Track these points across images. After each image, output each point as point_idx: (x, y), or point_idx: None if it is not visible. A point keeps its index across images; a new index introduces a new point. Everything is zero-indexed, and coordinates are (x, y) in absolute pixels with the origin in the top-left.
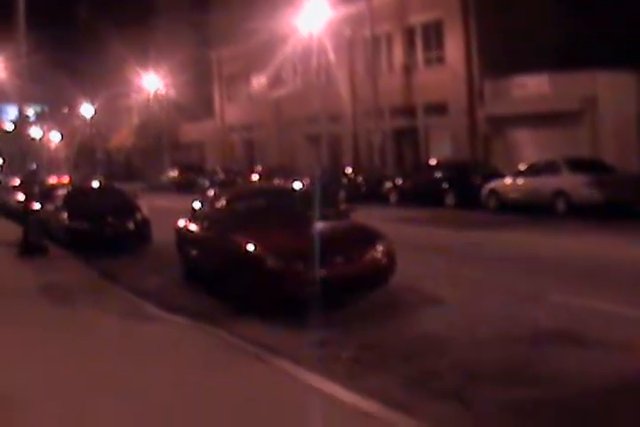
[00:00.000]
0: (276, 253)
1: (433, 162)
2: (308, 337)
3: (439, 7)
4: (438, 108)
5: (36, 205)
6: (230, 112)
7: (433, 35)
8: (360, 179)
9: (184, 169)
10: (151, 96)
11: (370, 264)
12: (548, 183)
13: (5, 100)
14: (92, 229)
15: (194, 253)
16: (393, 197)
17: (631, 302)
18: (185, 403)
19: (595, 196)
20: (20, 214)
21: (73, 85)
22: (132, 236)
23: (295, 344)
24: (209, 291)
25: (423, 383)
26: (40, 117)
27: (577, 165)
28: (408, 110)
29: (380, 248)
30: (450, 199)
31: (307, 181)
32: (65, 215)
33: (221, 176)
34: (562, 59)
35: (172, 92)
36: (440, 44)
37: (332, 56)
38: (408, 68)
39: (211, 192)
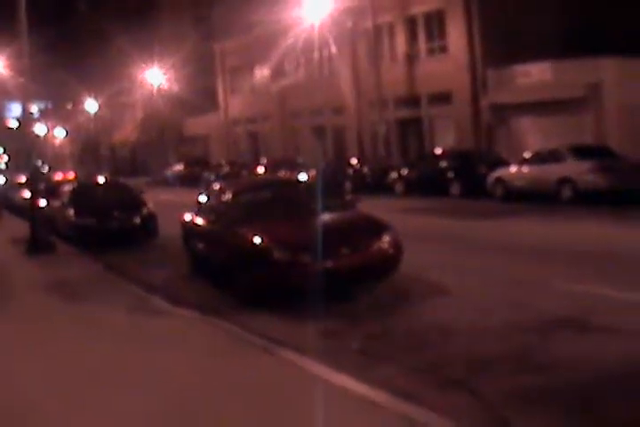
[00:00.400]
0: (283, 244)
1: (438, 151)
2: (315, 328)
3: None
4: (442, 98)
5: (43, 202)
6: (234, 105)
7: (435, 24)
8: (365, 169)
9: (189, 163)
10: (155, 90)
11: (376, 255)
12: (553, 171)
13: (8, 97)
14: (99, 224)
15: (200, 246)
16: (398, 188)
17: (638, 289)
18: (193, 395)
19: (600, 182)
20: (27, 211)
21: (76, 81)
22: (139, 230)
23: (302, 336)
24: (216, 284)
25: (431, 373)
26: (44, 114)
27: (582, 151)
28: (412, 100)
29: (386, 239)
30: (455, 189)
31: (312, 172)
32: (71, 211)
33: (226, 169)
34: (565, 46)
35: (176, 86)
36: (442, 33)
37: (334, 47)
38: (411, 58)
39: (216, 185)
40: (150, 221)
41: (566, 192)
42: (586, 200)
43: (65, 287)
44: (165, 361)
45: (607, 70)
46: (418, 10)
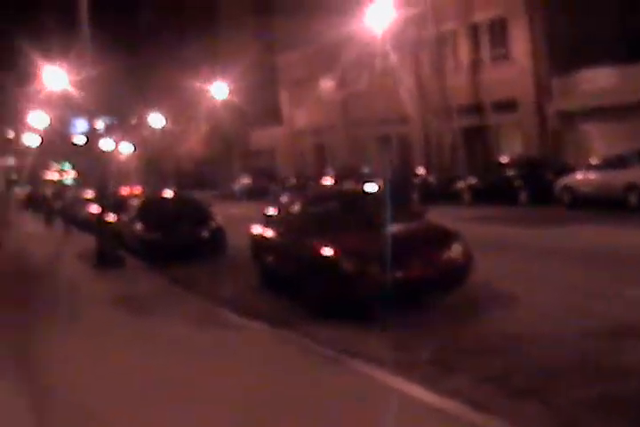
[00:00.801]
0: (352, 255)
1: (504, 160)
2: (385, 339)
3: (504, 3)
4: (507, 106)
5: (110, 217)
6: (299, 117)
7: (498, 31)
8: (432, 179)
9: (256, 176)
10: (218, 103)
11: (446, 265)
12: (619, 177)
13: (73, 113)
14: (167, 238)
15: (269, 258)
16: (466, 197)
17: None
18: (264, 408)
19: None
20: (95, 226)
21: (140, 95)
22: (207, 244)
23: (373, 347)
24: (285, 296)
25: (502, 382)
26: (109, 129)
27: None
28: (476, 108)
29: (456, 248)
30: (523, 197)
31: (379, 182)
32: (139, 226)
33: (293, 181)
34: (630, 51)
35: (239, 99)
36: (506, 40)
37: (397, 56)
38: (475, 65)
39: (284, 198)
40: (218, 235)
41: (633, 199)
42: None
43: (133, 301)
44: (235, 374)
45: None
46: (481, 17)
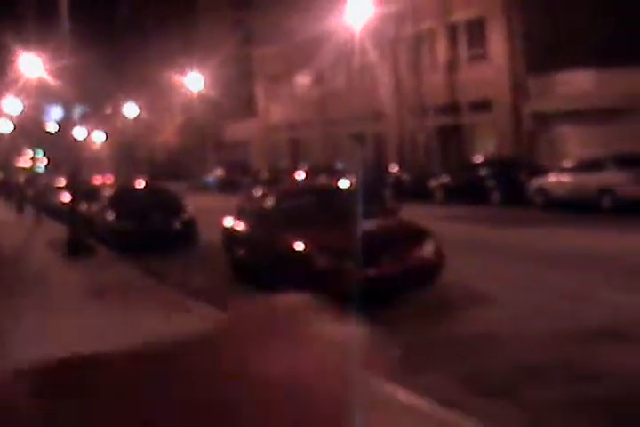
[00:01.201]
0: (325, 251)
1: (478, 159)
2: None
3: (482, 4)
4: (482, 105)
5: (82, 206)
6: (274, 111)
7: (476, 31)
8: (405, 177)
9: (229, 168)
10: (194, 95)
11: (418, 262)
12: (593, 180)
13: (47, 100)
14: (139, 228)
15: (241, 251)
16: (438, 195)
17: None
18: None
19: None
20: (66, 214)
21: (115, 85)
22: (179, 235)
23: None
24: (257, 289)
25: (475, 382)
26: (83, 118)
27: (623, 161)
28: (452, 107)
29: (428, 246)
30: (495, 197)
31: (352, 179)
32: (111, 215)
33: (266, 175)
34: (607, 55)
35: (215, 91)
36: (483, 40)
37: (374, 54)
38: (452, 65)
39: (257, 191)
40: (190, 226)
41: (606, 202)
42: (626, 210)
43: (104, 291)
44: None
45: None
46: (459, 17)
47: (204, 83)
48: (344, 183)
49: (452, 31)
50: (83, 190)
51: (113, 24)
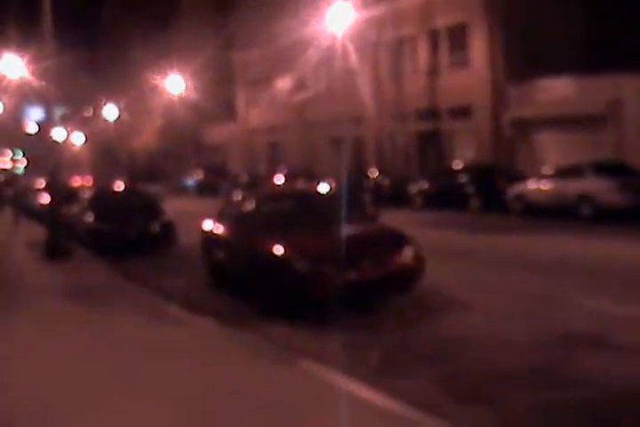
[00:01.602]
0: (305, 255)
1: (458, 165)
2: (334, 340)
3: (464, 10)
4: (463, 112)
5: (61, 207)
6: (253, 114)
7: (458, 38)
8: (384, 182)
9: (207, 171)
10: (174, 98)
11: (398, 268)
12: (572, 187)
13: (28, 101)
14: (117, 231)
15: (220, 255)
16: (417, 201)
17: None
18: (210, 403)
19: (620, 200)
20: (44, 216)
21: (95, 87)
22: (157, 238)
23: (322, 347)
24: (234, 293)
25: (451, 385)
26: (63, 119)
27: (602, 168)
28: (432, 113)
29: (408, 252)
30: (475, 203)
31: (331, 183)
32: (89, 217)
33: (245, 179)
34: (587, 62)
35: (195, 94)
36: (464, 47)
37: (355, 59)
38: (433, 70)
39: (237, 195)
40: (169, 229)
41: (586, 209)
42: (605, 217)
43: (81, 292)
44: (181, 370)
45: (628, 87)
46: (441, 23)
47: (185, 86)
48: (323, 188)
49: (434, 37)
50: (62, 192)
51: (95, 26)
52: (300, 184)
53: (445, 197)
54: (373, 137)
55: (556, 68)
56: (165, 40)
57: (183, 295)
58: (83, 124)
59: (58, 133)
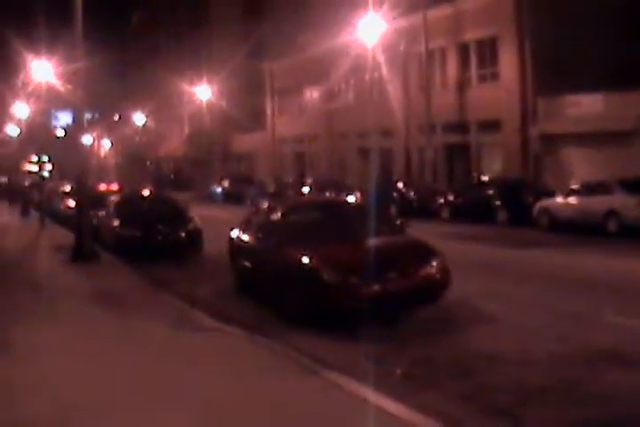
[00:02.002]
0: (332, 266)
1: (485, 179)
2: (360, 351)
3: (494, 24)
4: (491, 125)
5: (89, 212)
6: (282, 124)
7: (487, 51)
8: (411, 194)
9: (234, 180)
10: (203, 105)
11: (424, 280)
12: (600, 203)
13: (55, 105)
14: (144, 236)
15: (247, 263)
16: (444, 213)
17: None
18: (232, 411)
19: None
20: (70, 220)
21: (124, 93)
22: (184, 245)
23: (348, 358)
24: (261, 302)
25: (477, 400)
26: (91, 124)
27: (630, 185)
28: (460, 126)
29: (434, 264)
30: (501, 216)
31: (357, 194)
32: (116, 222)
33: (272, 188)
34: (617, 78)
35: (223, 102)
36: (494, 60)
37: (385, 70)
38: (462, 83)
39: (264, 204)
40: (195, 236)
41: (612, 225)
42: (632, 234)
43: (108, 297)
44: (207, 378)
45: None
46: (471, 36)
47: (214, 94)
48: (351, 198)
49: (463, 50)
50: (89, 197)
51: (124, 32)
52: (327, 194)
53: (472, 210)
54: (401, 149)
55: (584, 84)
56: (195, 48)
57: (209, 303)
58: (110, 129)
59: (85, 138)
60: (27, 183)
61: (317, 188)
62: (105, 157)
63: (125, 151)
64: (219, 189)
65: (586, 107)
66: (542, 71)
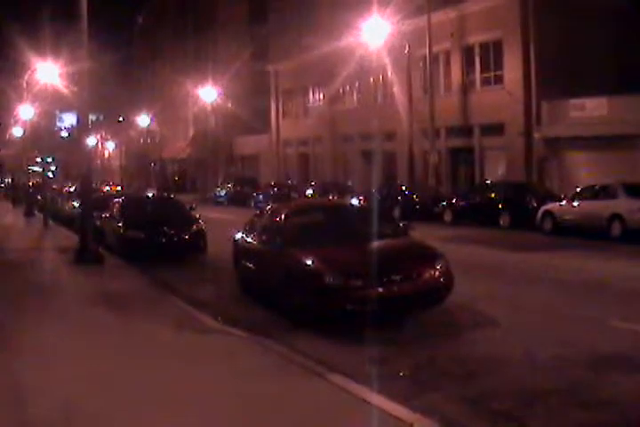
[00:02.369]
0: (335, 269)
1: (488, 182)
2: (363, 354)
3: (499, 27)
4: (495, 129)
5: (93, 213)
6: (286, 126)
7: (491, 54)
8: (414, 197)
9: (238, 182)
10: (207, 107)
11: (427, 283)
12: (603, 207)
13: (60, 107)
14: (148, 238)
15: (250, 265)
16: (447, 216)
17: None
18: (240, 416)
19: None
20: (75, 222)
21: (128, 94)
22: (188, 246)
23: (352, 361)
24: (264, 304)
25: (479, 403)
26: (95, 126)
27: (634, 189)
28: (464, 130)
29: (438, 267)
30: (504, 220)
31: (362, 197)
32: (120, 224)
33: (275, 190)
34: (621, 82)
35: (228, 105)
36: (498, 64)
37: (389, 73)
38: (466, 87)
39: (268, 206)
40: (199, 238)
41: (616, 229)
42: (636, 238)
43: (112, 300)
44: (211, 380)
45: None
46: (475, 39)
47: (218, 96)
48: (354, 201)
49: (467, 53)
50: (93, 198)
51: (129, 34)
52: (331, 197)
53: (475, 213)
54: (405, 152)
55: (588, 87)
56: (200, 50)
57: (213, 305)
58: (114, 131)
59: (90, 140)
60: (31, 184)
61: (321, 190)
62: (109, 158)
63: (130, 153)
64: (223, 191)
65: (590, 110)
66: (546, 75)
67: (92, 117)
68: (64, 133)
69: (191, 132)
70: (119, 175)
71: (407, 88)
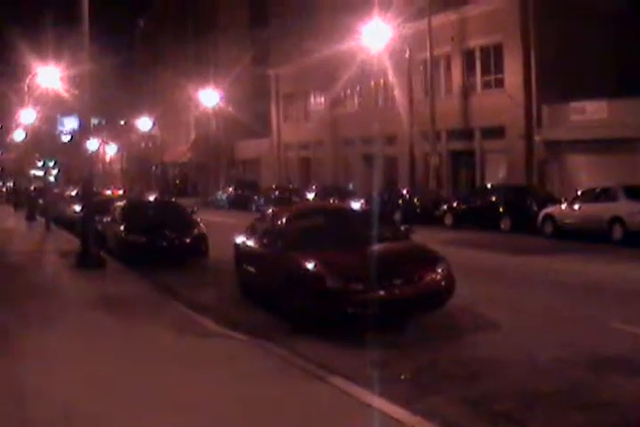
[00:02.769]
0: (336, 272)
1: (489, 185)
2: (364, 357)
3: (499, 31)
4: (495, 132)
5: (94, 217)
6: (287, 130)
7: (492, 58)
8: (415, 200)
9: (239, 186)
10: (208, 111)
11: (429, 286)
12: (604, 210)
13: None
14: (149, 242)
15: (252, 269)
16: (448, 220)
17: None
18: (241, 419)
19: None
20: (77, 225)
21: (129, 98)
22: (189, 250)
23: (353, 364)
24: (266, 307)
25: (480, 405)
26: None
27: (634, 192)
28: (465, 133)
29: (439, 270)
30: (505, 223)
31: (363, 200)
32: (122, 228)
33: (277, 194)
34: (621, 85)
35: (229, 108)
36: (499, 67)
37: (390, 76)
38: (467, 90)
39: (269, 210)
40: (201, 242)
41: (617, 232)
42: (636, 241)
43: (113, 304)
44: (212, 383)
45: None
46: (476, 43)
47: (219, 100)
48: (355, 204)
49: (469, 57)
50: (95, 202)
51: (131, 38)
52: (332, 200)
53: (476, 216)
54: (406, 155)
55: (589, 91)
56: (201, 54)
57: (214, 308)
58: (115, 135)
59: (91, 143)
60: (32, 188)
61: (322, 194)
62: (110, 162)
63: (131, 157)
64: (224, 195)
65: (590, 113)
66: (547, 78)
67: (93, 121)
68: (65, 137)
69: (192, 136)
70: (120, 179)
71: (408, 91)
